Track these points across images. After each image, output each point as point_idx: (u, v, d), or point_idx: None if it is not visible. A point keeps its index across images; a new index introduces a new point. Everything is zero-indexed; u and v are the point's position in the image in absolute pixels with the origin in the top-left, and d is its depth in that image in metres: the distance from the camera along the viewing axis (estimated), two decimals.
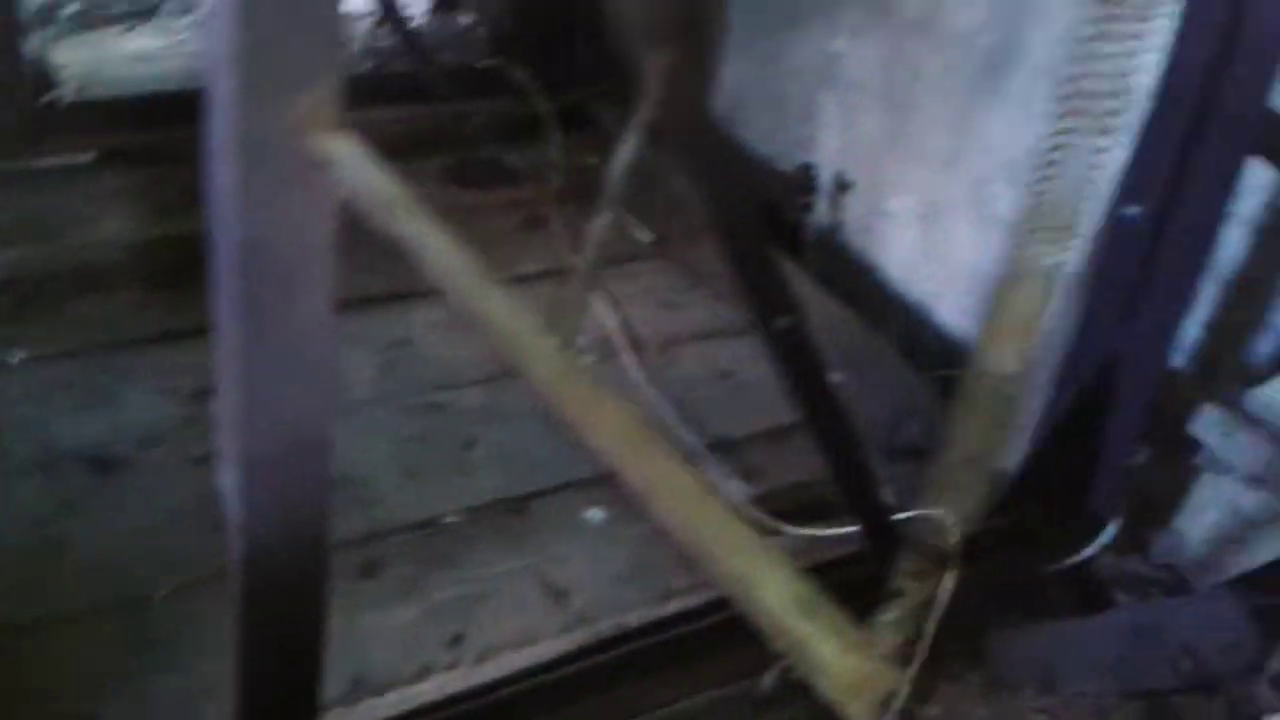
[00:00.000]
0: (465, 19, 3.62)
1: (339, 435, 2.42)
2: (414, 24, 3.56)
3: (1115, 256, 1.85)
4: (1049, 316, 1.89)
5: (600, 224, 1.19)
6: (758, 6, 3.16)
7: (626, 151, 1.29)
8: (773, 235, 3.01)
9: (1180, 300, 1.86)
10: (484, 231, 3.08)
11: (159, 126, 2.93)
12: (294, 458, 1.36)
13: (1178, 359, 2.08)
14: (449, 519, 2.25)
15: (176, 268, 2.53)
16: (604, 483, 2.23)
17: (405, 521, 2.22)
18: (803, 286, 2.89)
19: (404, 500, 2.28)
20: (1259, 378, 1.97)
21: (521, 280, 2.91)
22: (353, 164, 1.11)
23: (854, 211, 2.94)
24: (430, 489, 2.31)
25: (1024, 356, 1.62)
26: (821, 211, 3.03)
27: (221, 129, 1.20)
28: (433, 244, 0.98)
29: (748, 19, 3.21)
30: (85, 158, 3.00)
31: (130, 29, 3.57)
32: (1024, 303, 1.61)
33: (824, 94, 2.96)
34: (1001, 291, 1.64)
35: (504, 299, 0.95)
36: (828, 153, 3.00)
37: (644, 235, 3.09)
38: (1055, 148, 1.42)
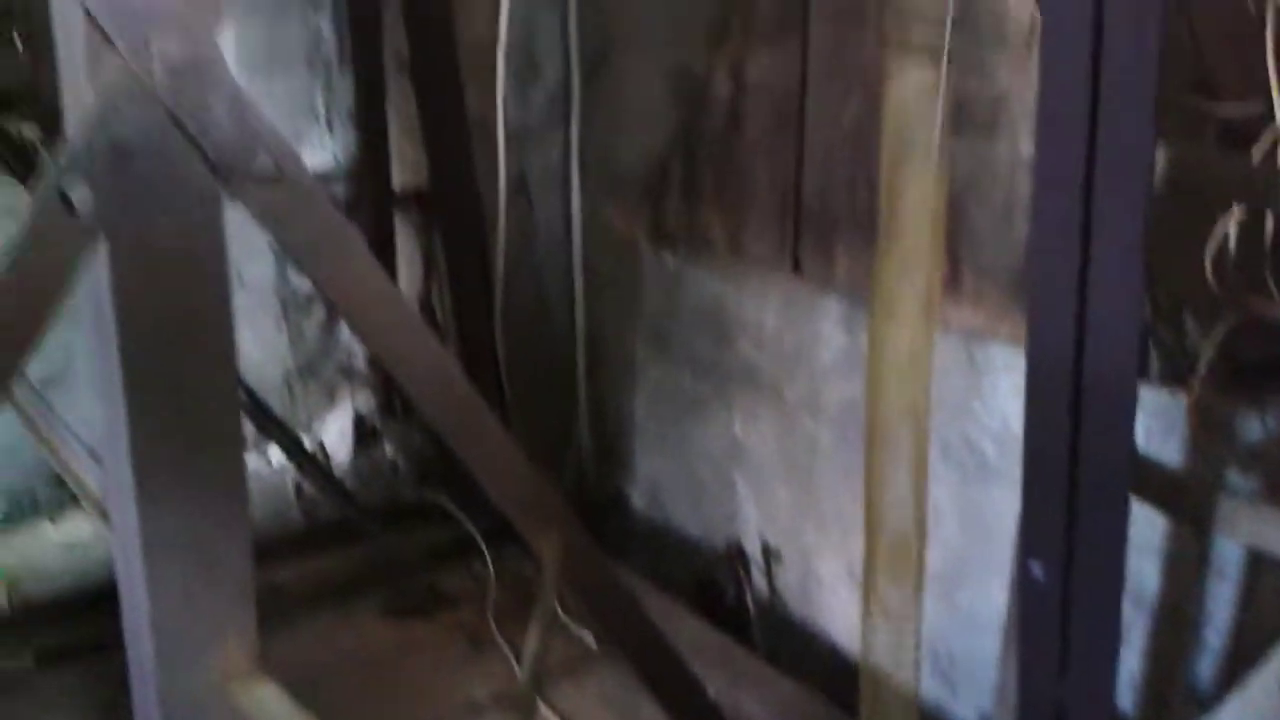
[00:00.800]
0: (387, 453, 3.75)
1: None
2: (336, 466, 3.68)
3: (1033, 613, 1.90)
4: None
5: None
6: (660, 400, 3.35)
7: (535, 636, 1.34)
8: (717, 615, 3.06)
9: (1107, 645, 1.89)
10: (429, 660, 3.07)
11: (96, 619, 2.93)
12: None
13: (1125, 694, 2.09)
14: None
15: None
16: None
17: None
18: (754, 667, 2.90)
19: None
20: (1204, 702, 1.98)
21: (472, 708, 2.88)
22: (273, 711, 1.14)
23: (788, 581, 3.00)
24: None
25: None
26: (759, 585, 3.08)
27: (142, 693, 1.23)
28: None
29: (653, 412, 3.39)
30: (23, 663, 2.97)
31: (58, 518, 3.63)
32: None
33: (736, 473, 3.09)
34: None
35: None
36: (752, 527, 3.09)
37: (588, 638, 3.09)
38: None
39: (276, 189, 1.24)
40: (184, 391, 1.27)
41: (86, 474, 2.42)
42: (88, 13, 1.13)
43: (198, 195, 1.21)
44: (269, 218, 1.27)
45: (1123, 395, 1.92)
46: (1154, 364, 2.12)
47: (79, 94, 1.17)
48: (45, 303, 1.18)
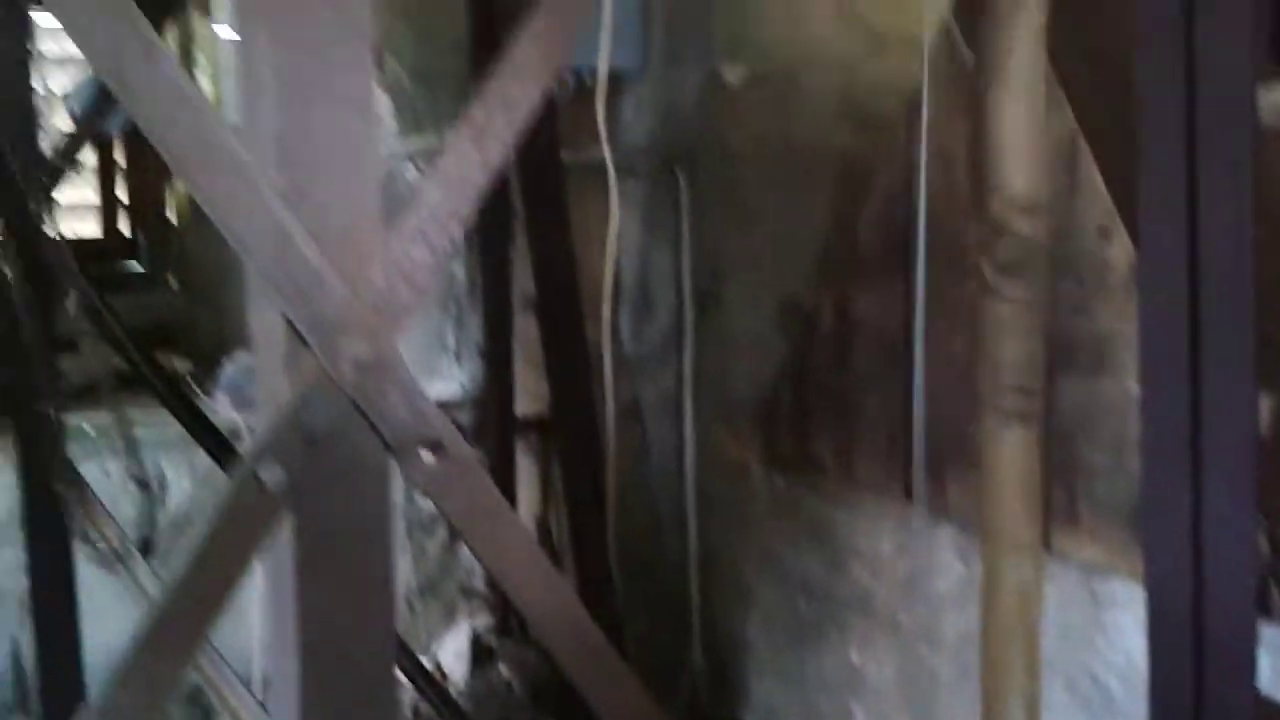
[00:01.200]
0: (502, 674, 3.81)
1: None
2: (452, 685, 3.74)
3: None
4: None
5: None
6: (773, 624, 3.37)
7: None
8: None
9: None
10: None
11: None
12: None
13: None
14: None
15: None
16: None
17: None
18: None
19: None
20: None
21: None
22: None
23: None
24: None
25: None
26: None
27: None
28: None
29: (767, 636, 3.41)
30: None
31: None
32: None
33: (853, 702, 3.07)
34: None
35: None
36: None
37: None
38: None
39: (439, 463, 1.39)
40: (350, 647, 1.39)
41: (238, 703, 2.56)
42: (287, 320, 1.30)
43: (374, 472, 1.35)
44: (430, 487, 1.41)
45: (1243, 637, 1.91)
46: (1277, 603, 2.11)
47: (275, 387, 1.33)
48: (236, 570, 1.31)
